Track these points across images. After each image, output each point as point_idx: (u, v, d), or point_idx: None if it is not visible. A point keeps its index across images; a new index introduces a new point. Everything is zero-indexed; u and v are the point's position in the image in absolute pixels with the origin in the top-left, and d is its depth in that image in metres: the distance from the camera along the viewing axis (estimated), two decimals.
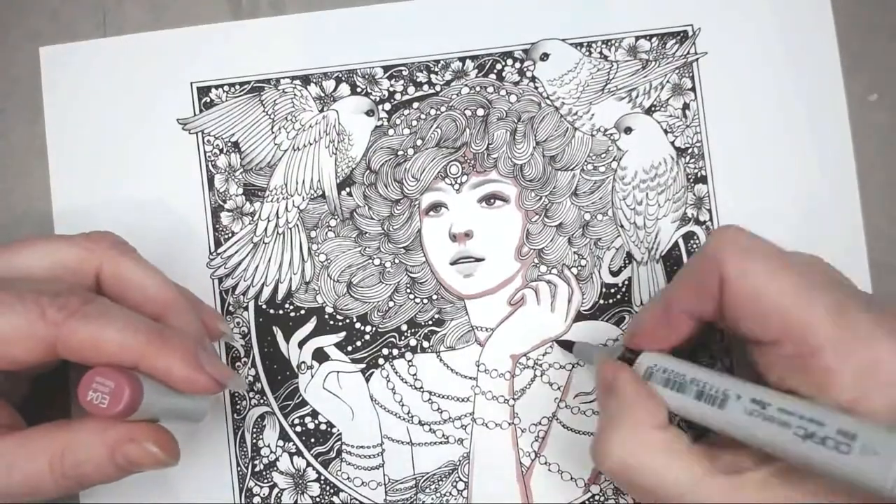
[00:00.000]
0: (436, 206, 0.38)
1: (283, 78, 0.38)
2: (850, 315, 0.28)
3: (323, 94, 0.38)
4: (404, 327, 0.38)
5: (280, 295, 0.38)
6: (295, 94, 0.38)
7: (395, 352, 0.38)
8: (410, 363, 0.38)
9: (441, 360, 0.38)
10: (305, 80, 0.38)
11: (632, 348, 0.33)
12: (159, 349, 0.29)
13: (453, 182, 0.38)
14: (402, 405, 0.38)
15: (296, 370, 0.38)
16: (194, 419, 0.33)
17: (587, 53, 0.39)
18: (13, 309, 0.28)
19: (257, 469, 0.37)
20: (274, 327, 0.38)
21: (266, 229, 0.38)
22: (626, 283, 0.38)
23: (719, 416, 0.29)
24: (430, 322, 0.38)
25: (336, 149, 0.38)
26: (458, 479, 0.37)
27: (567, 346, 0.37)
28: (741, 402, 0.28)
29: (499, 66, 0.39)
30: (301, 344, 0.38)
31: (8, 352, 0.28)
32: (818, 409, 0.27)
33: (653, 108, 0.39)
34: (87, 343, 0.28)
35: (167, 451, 0.30)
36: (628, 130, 0.38)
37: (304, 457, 0.37)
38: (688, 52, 0.39)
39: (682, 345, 0.32)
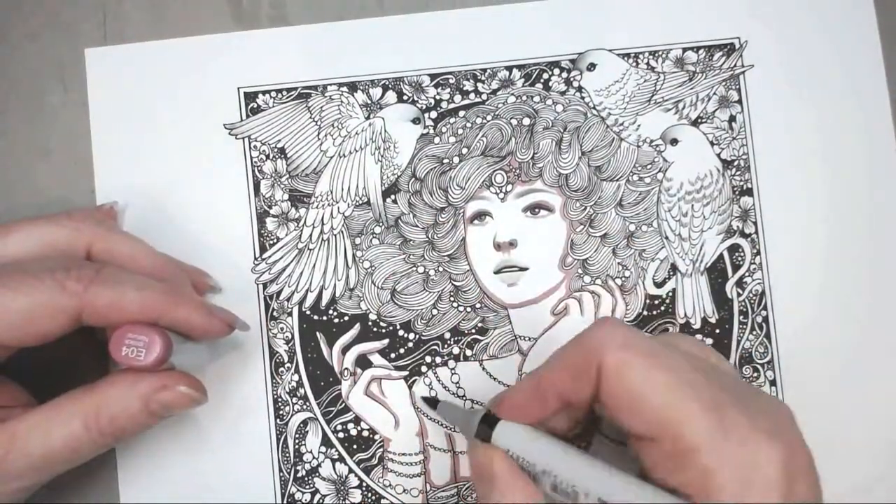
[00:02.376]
0: (480, 215, 0.38)
1: (330, 85, 0.38)
2: (727, 413, 0.27)
3: (369, 102, 0.38)
4: (447, 335, 0.38)
5: (324, 301, 0.38)
6: (342, 101, 0.38)
7: (438, 360, 0.38)
8: (453, 371, 0.38)
9: (484, 368, 0.38)
10: (352, 87, 0.38)
11: (495, 414, 0.31)
12: (176, 302, 0.31)
13: (498, 191, 0.38)
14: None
15: (339, 376, 0.38)
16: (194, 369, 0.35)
17: (634, 64, 0.39)
18: (33, 287, 0.29)
19: (299, 475, 0.37)
20: (317, 333, 0.38)
21: (311, 235, 0.38)
22: (671, 294, 0.38)
23: None
24: (474, 330, 0.38)
25: (382, 156, 0.38)
26: None
27: (431, 402, 0.35)
28: (589, 500, 0.27)
29: (545, 76, 0.39)
30: (344, 350, 0.38)
31: (39, 328, 0.30)
32: None
33: (699, 120, 0.39)
34: (111, 306, 0.30)
35: (198, 389, 0.32)
36: (674, 142, 0.38)
37: (346, 463, 0.37)
38: (735, 65, 0.39)
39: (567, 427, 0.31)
